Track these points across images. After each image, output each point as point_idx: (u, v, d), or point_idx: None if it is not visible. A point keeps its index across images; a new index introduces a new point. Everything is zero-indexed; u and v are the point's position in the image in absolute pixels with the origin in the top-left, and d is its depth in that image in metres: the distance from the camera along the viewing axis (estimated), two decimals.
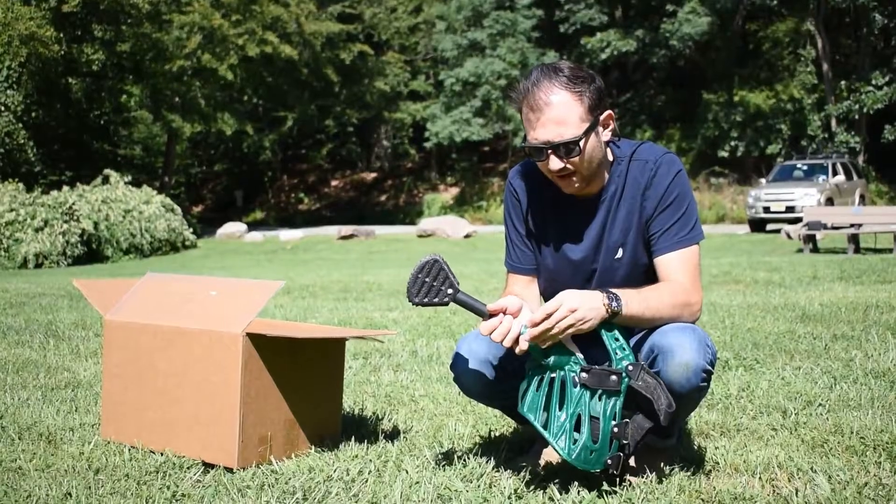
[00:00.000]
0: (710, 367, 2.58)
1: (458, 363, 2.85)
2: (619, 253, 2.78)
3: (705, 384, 2.60)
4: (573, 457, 2.50)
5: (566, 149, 2.61)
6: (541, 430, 2.53)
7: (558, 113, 2.60)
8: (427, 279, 2.52)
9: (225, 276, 11.05)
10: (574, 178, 2.68)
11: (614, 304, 2.51)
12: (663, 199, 2.72)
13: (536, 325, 2.46)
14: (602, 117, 2.67)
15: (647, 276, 2.78)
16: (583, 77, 2.64)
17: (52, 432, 3.45)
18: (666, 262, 2.72)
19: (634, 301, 2.56)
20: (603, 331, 2.53)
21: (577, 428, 2.50)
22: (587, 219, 2.80)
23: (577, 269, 2.83)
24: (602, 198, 2.78)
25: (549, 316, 2.45)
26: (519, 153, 38.15)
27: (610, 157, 2.79)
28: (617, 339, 2.53)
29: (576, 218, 2.81)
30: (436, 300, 2.54)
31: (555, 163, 2.64)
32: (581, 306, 2.46)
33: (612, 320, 2.52)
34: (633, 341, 2.70)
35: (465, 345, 2.85)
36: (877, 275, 9.86)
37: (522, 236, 2.93)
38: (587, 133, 2.62)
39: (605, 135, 2.72)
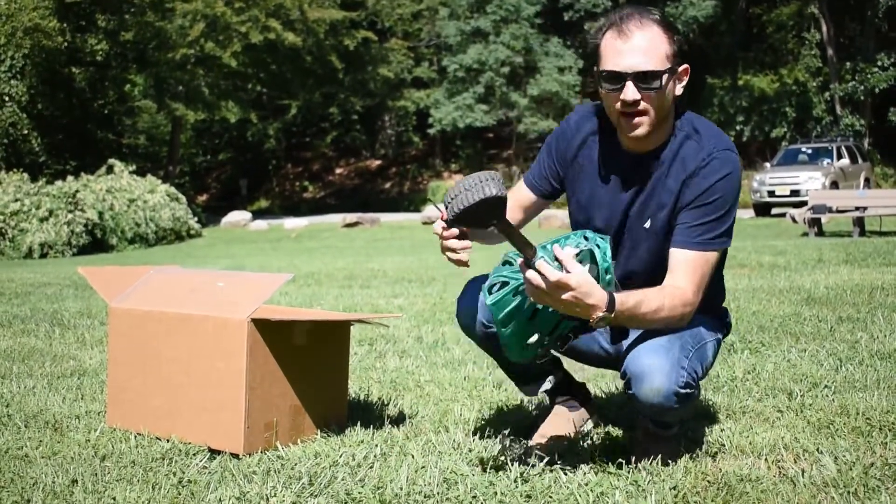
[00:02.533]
0: (682, 389, 2.50)
1: (462, 305, 2.91)
2: (648, 223, 2.70)
3: (682, 402, 2.53)
4: (517, 358, 2.59)
5: (648, 78, 2.53)
6: (500, 328, 2.48)
7: (647, 44, 2.54)
8: (478, 212, 2.26)
9: (230, 265, 10.94)
10: (643, 119, 2.58)
11: (603, 316, 2.38)
12: (702, 196, 2.61)
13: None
14: (681, 69, 2.62)
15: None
16: (674, 26, 2.63)
17: (58, 420, 3.46)
18: (677, 259, 2.63)
19: (624, 315, 2.43)
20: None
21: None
22: (628, 176, 2.72)
23: (605, 219, 2.77)
24: (651, 160, 2.68)
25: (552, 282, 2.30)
26: (522, 140, 38.14)
27: (671, 121, 2.69)
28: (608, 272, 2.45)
29: (618, 170, 2.73)
30: (478, 225, 2.36)
31: (631, 92, 2.54)
32: (578, 292, 2.31)
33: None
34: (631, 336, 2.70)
35: (470, 290, 2.89)
36: (882, 257, 9.85)
37: (551, 168, 2.88)
38: (669, 73, 2.56)
39: (678, 89, 2.63)
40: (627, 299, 2.44)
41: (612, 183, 2.75)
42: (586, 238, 2.45)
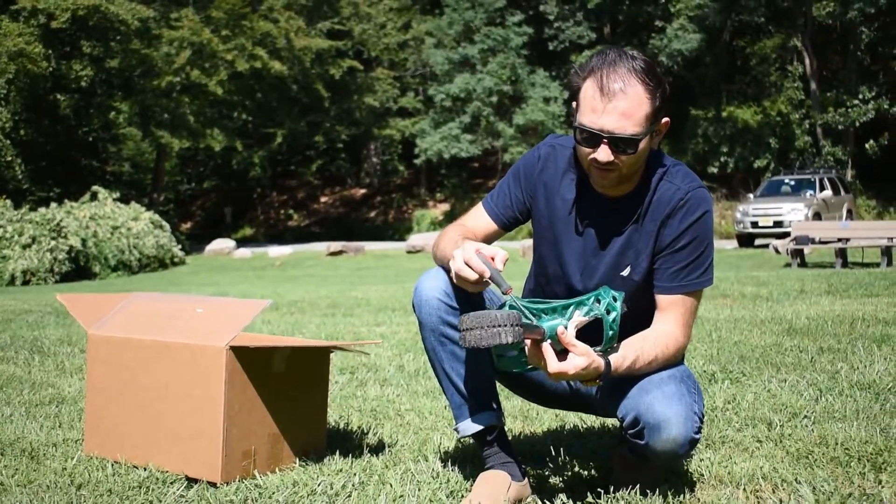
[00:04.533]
0: (696, 435, 2.49)
1: (419, 293, 2.76)
2: (627, 271, 2.66)
3: (693, 446, 2.51)
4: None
5: (623, 144, 2.46)
6: (496, 360, 2.52)
7: (628, 106, 2.44)
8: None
9: (213, 293, 10.86)
10: (612, 175, 2.53)
11: (598, 384, 2.47)
12: (679, 238, 2.61)
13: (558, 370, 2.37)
14: (661, 123, 2.54)
15: (649, 298, 2.68)
16: (658, 76, 2.49)
17: (35, 448, 3.43)
18: (664, 304, 2.63)
19: (619, 374, 2.47)
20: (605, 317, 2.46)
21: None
22: (602, 222, 2.68)
23: (577, 266, 2.71)
24: (626, 205, 2.64)
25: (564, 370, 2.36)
26: (507, 171, 38.21)
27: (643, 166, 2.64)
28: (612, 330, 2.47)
29: (591, 216, 2.68)
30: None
31: (604, 154, 2.47)
32: (579, 375, 2.38)
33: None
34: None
35: (427, 281, 2.75)
36: (864, 288, 9.88)
37: (518, 199, 2.81)
38: (646, 135, 2.48)
39: (655, 142, 2.59)
40: (623, 362, 2.47)
41: (586, 228, 2.70)
42: (598, 301, 2.47)
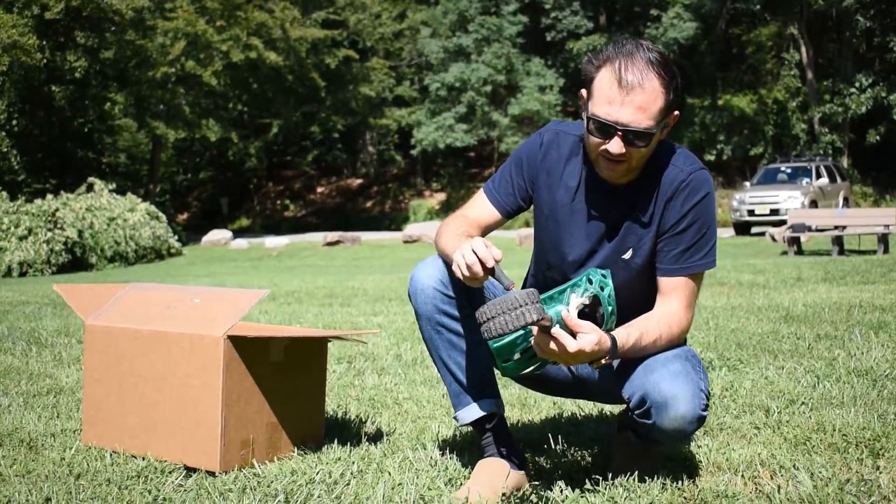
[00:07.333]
0: (704, 413, 2.48)
1: (415, 282, 2.76)
2: (629, 254, 2.66)
3: (700, 424, 2.51)
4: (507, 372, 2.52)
5: (636, 138, 2.45)
6: (501, 363, 2.48)
7: (645, 99, 2.43)
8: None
9: (210, 284, 10.88)
10: (621, 167, 2.52)
11: (607, 362, 2.43)
12: (682, 220, 2.60)
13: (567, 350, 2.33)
14: (672, 116, 2.54)
15: (649, 283, 2.68)
16: (672, 70, 2.48)
17: (33, 438, 3.43)
18: (667, 286, 2.63)
19: (624, 352, 2.46)
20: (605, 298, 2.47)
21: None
22: (605, 207, 2.66)
23: (578, 250, 2.70)
24: (630, 190, 2.63)
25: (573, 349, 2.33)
26: (503, 159, 38.25)
27: None
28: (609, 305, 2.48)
29: (594, 201, 2.67)
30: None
31: (616, 146, 2.46)
32: (594, 351, 2.34)
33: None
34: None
35: (423, 270, 2.76)
36: (860, 275, 9.90)
37: (521, 187, 2.78)
38: (659, 128, 2.49)
39: (664, 134, 2.59)
40: (628, 339, 2.46)
41: (589, 215, 2.68)
42: (590, 281, 2.46)
